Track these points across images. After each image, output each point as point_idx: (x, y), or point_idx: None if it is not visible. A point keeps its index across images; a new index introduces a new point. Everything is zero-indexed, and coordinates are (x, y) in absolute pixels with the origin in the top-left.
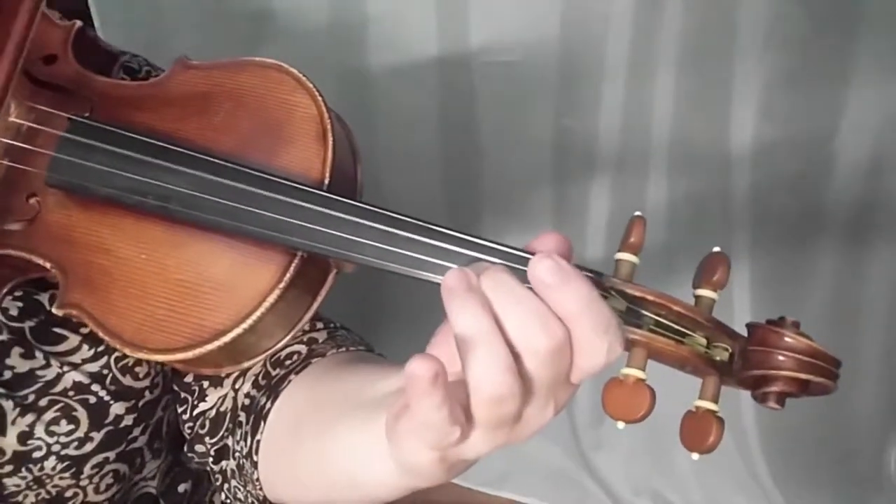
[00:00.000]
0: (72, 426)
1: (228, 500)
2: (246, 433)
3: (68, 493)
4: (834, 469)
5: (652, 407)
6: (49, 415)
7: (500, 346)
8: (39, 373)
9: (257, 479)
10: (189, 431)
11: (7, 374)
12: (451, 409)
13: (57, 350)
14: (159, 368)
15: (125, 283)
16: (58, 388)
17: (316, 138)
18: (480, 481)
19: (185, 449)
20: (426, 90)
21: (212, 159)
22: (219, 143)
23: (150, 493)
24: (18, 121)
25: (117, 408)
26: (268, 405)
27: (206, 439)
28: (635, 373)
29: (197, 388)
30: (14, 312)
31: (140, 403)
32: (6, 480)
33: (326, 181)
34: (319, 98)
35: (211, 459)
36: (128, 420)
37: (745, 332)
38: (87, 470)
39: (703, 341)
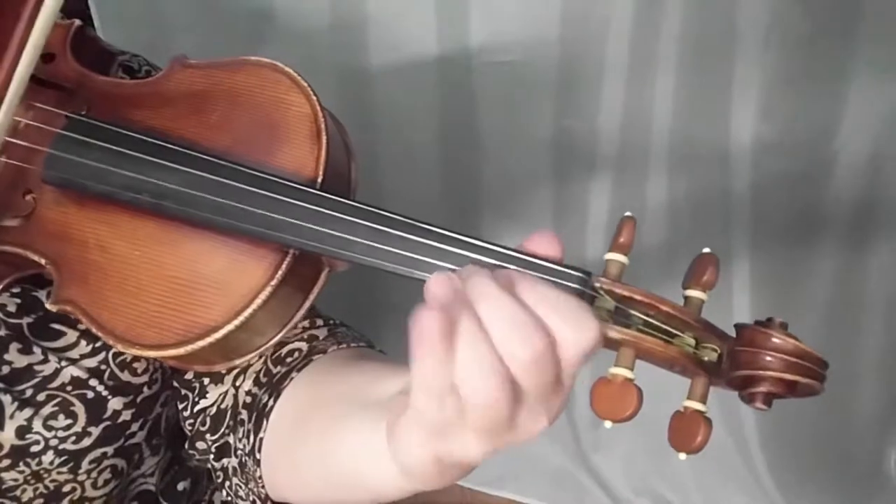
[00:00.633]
0: (69, 421)
1: (230, 498)
2: (248, 431)
3: (66, 488)
4: (834, 469)
5: (639, 406)
6: (47, 409)
7: (487, 353)
8: (37, 368)
9: (260, 477)
10: (190, 428)
11: (5, 370)
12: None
13: (55, 345)
14: (158, 364)
15: (119, 280)
16: (56, 383)
17: (310, 137)
18: (480, 481)
19: (186, 446)
20: (426, 90)
21: (206, 157)
22: (214, 141)
23: (150, 491)
24: (16, 118)
25: (115, 403)
26: (270, 403)
27: (207, 436)
28: (623, 372)
29: (198, 385)
30: (12, 308)
31: (138, 399)
32: (4, 475)
33: (320, 179)
34: (314, 97)
35: (212, 457)
36: (126, 415)
37: (734, 333)
38: (84, 465)
39: (692, 342)
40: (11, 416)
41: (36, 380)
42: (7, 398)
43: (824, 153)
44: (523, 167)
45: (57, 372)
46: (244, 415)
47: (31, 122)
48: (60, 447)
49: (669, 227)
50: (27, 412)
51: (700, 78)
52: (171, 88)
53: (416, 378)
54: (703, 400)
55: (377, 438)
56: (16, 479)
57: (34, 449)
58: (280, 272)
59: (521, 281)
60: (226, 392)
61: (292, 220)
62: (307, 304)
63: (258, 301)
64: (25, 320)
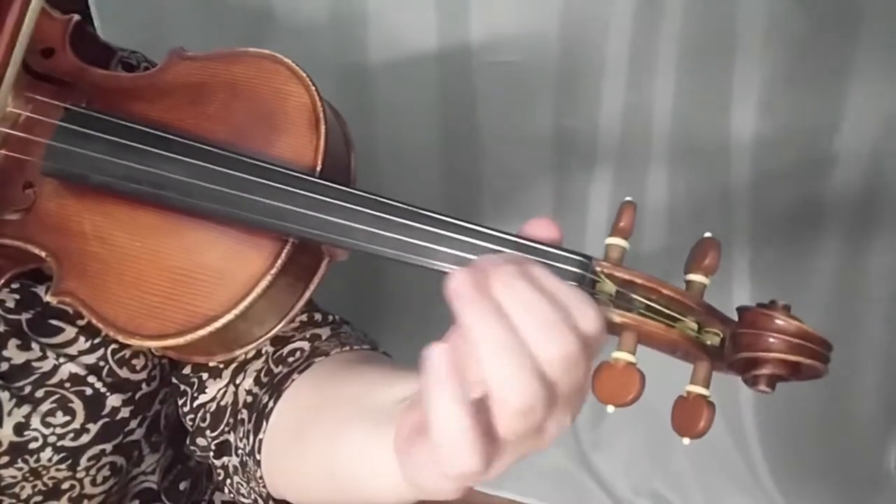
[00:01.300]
0: (68, 417)
1: (231, 496)
2: (248, 431)
3: (65, 486)
4: (834, 468)
5: (641, 390)
6: (45, 406)
7: (523, 354)
8: (36, 364)
9: (260, 477)
10: (190, 424)
11: (4, 366)
12: (473, 424)
13: (53, 342)
14: (157, 361)
15: (119, 271)
16: (54, 380)
17: (309, 126)
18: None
19: (188, 442)
20: (426, 89)
21: (205, 147)
22: (213, 131)
23: (151, 489)
24: (16, 111)
25: (113, 400)
26: (270, 404)
27: (207, 433)
28: (625, 356)
29: (196, 380)
30: (11, 304)
31: (137, 396)
32: (3, 472)
33: (319, 168)
34: (313, 87)
35: (212, 454)
36: (124, 412)
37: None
38: (83, 462)
39: (695, 326)
40: (9, 413)
41: (34, 376)
42: (5, 395)
43: (824, 152)
44: (523, 166)
45: (55, 368)
46: (244, 414)
47: (31, 115)
48: (59, 444)
49: (670, 225)
50: (25, 409)
51: (700, 77)
52: (169, 81)
53: (434, 423)
54: (707, 384)
55: (379, 447)
56: (14, 477)
57: (32, 446)
58: (280, 261)
59: (535, 272)
60: (225, 387)
61: (291, 208)
62: (307, 294)
63: (258, 290)
64: (24, 316)
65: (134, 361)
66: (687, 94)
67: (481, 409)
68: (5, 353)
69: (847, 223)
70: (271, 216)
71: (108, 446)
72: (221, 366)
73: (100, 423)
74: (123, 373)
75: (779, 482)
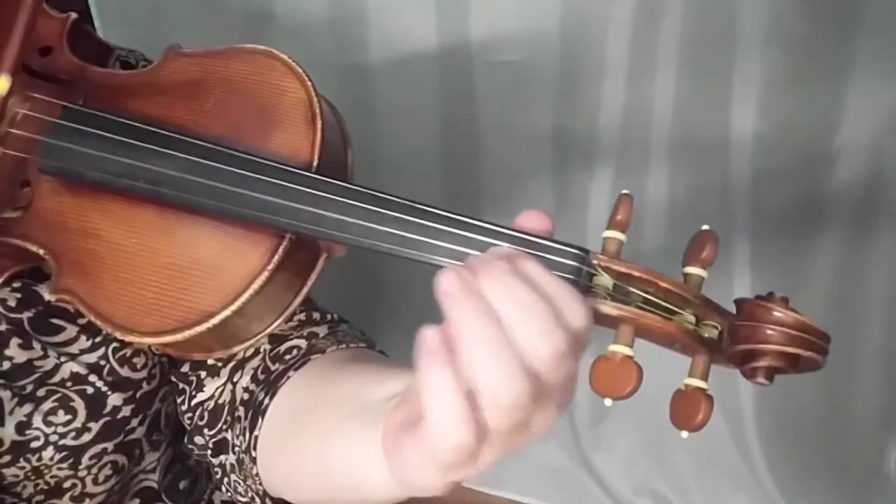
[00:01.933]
0: (69, 416)
1: (229, 494)
2: (244, 428)
3: (66, 484)
4: (834, 469)
5: (639, 383)
6: (47, 405)
7: (512, 352)
8: (37, 363)
9: (256, 475)
10: (188, 422)
11: (6, 365)
12: (464, 404)
13: (55, 340)
14: (157, 359)
15: (116, 268)
16: (55, 379)
17: (305, 122)
18: (480, 481)
19: (186, 440)
20: (426, 88)
21: (201, 143)
22: (209, 127)
23: (152, 487)
24: (14, 109)
25: (115, 398)
26: (266, 401)
27: (205, 431)
28: (623, 349)
29: (194, 379)
30: (12, 303)
31: (138, 394)
32: (4, 471)
33: (315, 163)
34: (309, 83)
35: (210, 452)
36: (125, 411)
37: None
38: (84, 460)
39: (692, 318)
40: (11, 412)
41: (36, 375)
42: (7, 394)
43: (824, 150)
44: (523, 165)
45: (57, 367)
46: (241, 412)
47: (29, 113)
48: (60, 443)
49: (670, 224)
50: (27, 408)
51: (700, 77)
52: (165, 77)
53: (429, 416)
54: (705, 377)
55: (369, 444)
56: (16, 476)
57: (34, 445)
58: (277, 257)
59: (525, 267)
60: (223, 386)
61: (288, 203)
62: (305, 291)
63: (255, 286)
64: (26, 315)
65: (135, 360)
66: (687, 93)
67: (470, 402)
68: (7, 352)
69: (847, 222)
70: (265, 211)
71: (109, 445)
72: (220, 364)
73: (101, 421)
74: (124, 371)
75: (779, 482)
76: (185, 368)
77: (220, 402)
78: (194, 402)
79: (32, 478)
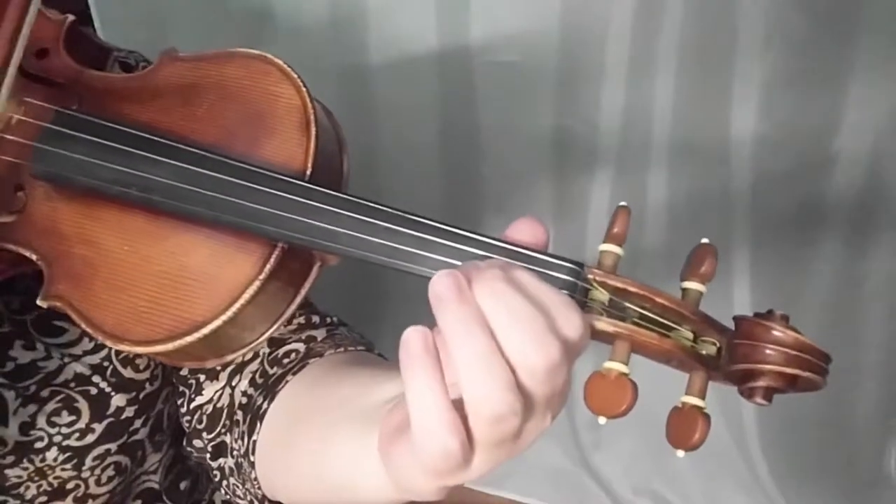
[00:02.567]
0: (73, 417)
1: (228, 496)
2: (243, 433)
3: (70, 485)
4: (834, 469)
5: (633, 402)
6: (50, 406)
7: (500, 364)
8: (41, 364)
9: (255, 479)
10: (187, 425)
11: (9, 366)
12: (451, 412)
13: (58, 342)
14: (158, 360)
15: (108, 275)
16: (59, 380)
17: (299, 128)
18: (480, 481)
19: (184, 443)
20: (426, 89)
21: (193, 150)
22: (203, 133)
23: (153, 489)
24: (7, 113)
25: (118, 399)
26: (265, 406)
27: (204, 434)
28: (618, 367)
29: (194, 382)
30: (16, 305)
31: (141, 395)
32: (8, 471)
33: (308, 171)
34: (304, 89)
35: (208, 455)
36: (129, 412)
37: (733, 327)
38: (88, 461)
39: (690, 335)
40: (15, 413)
41: (39, 376)
42: (11, 394)
43: (824, 152)
44: (523, 166)
45: (60, 368)
46: (239, 416)
47: (22, 118)
48: (64, 444)
49: (670, 225)
50: (31, 408)
51: (700, 78)
52: (159, 82)
53: (412, 422)
54: (702, 395)
55: (366, 448)
56: (20, 476)
57: (38, 445)
58: (268, 266)
59: (520, 276)
60: (222, 389)
61: (278, 212)
62: (298, 299)
63: (246, 296)
64: (29, 316)
65: (137, 361)
66: (687, 94)
67: (458, 410)
68: (11, 353)
69: (847, 223)
70: (256, 220)
71: (112, 446)
72: (218, 368)
73: (105, 422)
74: (127, 372)
75: (779, 482)
76: (185, 371)
77: (219, 405)
78: (193, 405)
79: (36, 479)
